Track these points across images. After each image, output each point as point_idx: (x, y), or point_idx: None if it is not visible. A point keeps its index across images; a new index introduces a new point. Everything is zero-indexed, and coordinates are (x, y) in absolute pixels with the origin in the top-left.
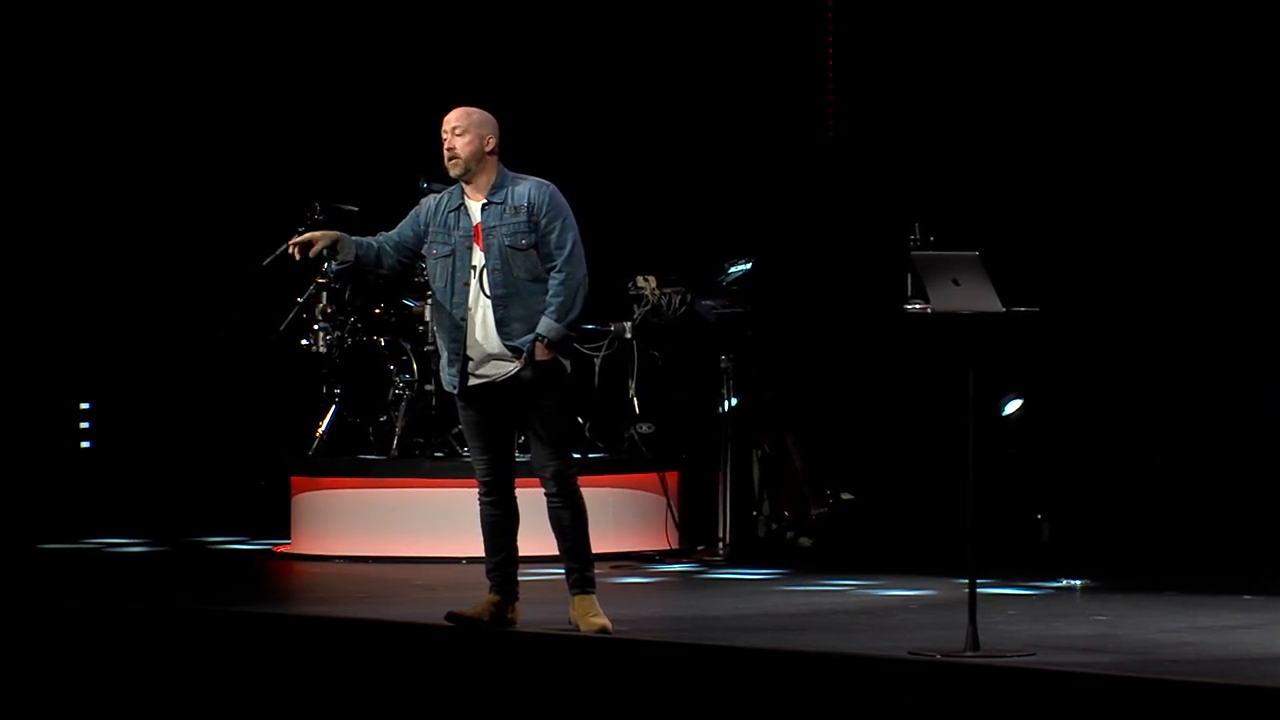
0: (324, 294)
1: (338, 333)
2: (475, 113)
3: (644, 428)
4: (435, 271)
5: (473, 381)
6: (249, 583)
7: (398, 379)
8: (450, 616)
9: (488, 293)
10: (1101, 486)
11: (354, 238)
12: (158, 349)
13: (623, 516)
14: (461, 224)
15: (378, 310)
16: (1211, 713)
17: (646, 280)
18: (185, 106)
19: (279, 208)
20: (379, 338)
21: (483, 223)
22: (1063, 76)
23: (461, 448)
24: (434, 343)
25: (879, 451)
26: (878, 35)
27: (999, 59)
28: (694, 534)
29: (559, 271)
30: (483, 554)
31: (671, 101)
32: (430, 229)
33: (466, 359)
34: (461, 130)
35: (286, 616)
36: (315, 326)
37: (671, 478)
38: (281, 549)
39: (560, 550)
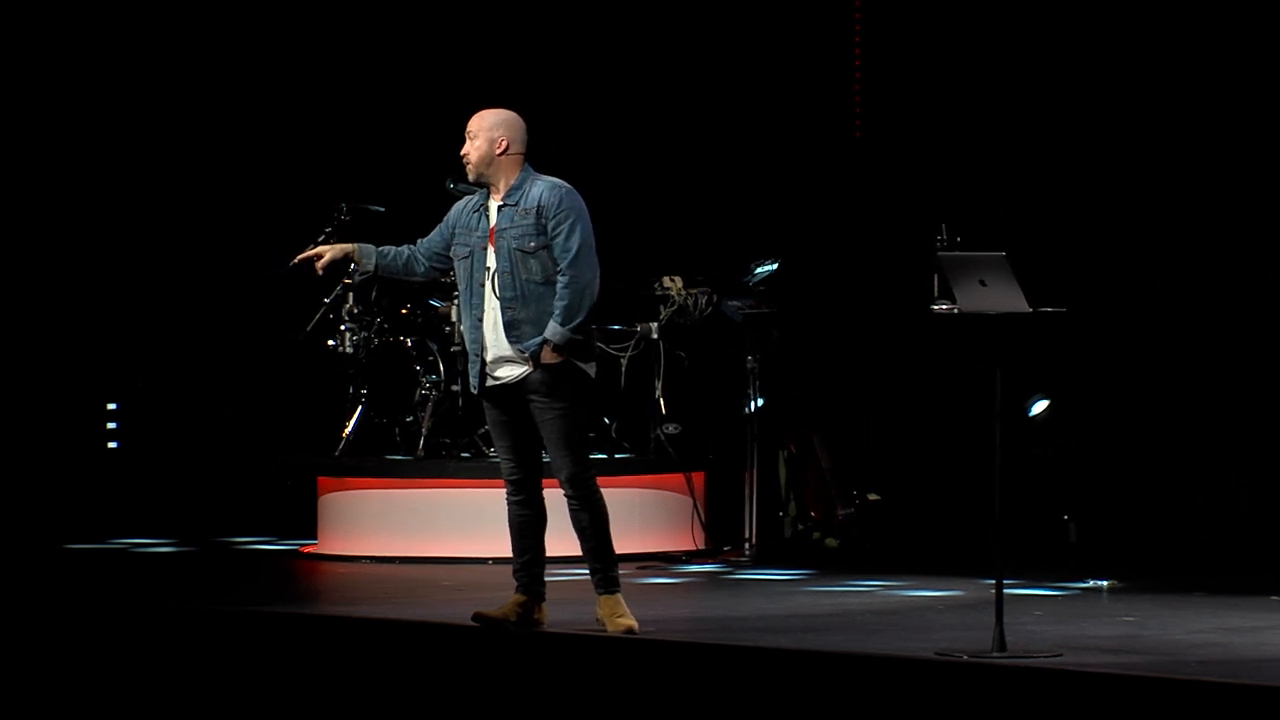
0: (350, 295)
1: (364, 333)
2: (489, 116)
3: (670, 428)
4: (458, 273)
5: (489, 382)
6: (276, 583)
7: (424, 379)
8: (476, 617)
9: (497, 294)
10: (1128, 487)
11: (379, 247)
12: (185, 349)
13: (649, 517)
14: (480, 225)
15: (404, 311)
16: (1240, 714)
17: (673, 281)
18: (215, 108)
19: (307, 208)
20: (405, 338)
21: (496, 224)
22: (1089, 76)
23: (488, 448)
24: (460, 343)
25: (905, 452)
26: (904, 35)
27: (1026, 58)
28: (720, 534)
29: (563, 274)
30: (509, 554)
31: (698, 102)
32: (456, 230)
33: (484, 360)
34: (473, 134)
35: (313, 617)
36: (342, 327)
37: (698, 478)
38: (308, 549)
39: (583, 551)
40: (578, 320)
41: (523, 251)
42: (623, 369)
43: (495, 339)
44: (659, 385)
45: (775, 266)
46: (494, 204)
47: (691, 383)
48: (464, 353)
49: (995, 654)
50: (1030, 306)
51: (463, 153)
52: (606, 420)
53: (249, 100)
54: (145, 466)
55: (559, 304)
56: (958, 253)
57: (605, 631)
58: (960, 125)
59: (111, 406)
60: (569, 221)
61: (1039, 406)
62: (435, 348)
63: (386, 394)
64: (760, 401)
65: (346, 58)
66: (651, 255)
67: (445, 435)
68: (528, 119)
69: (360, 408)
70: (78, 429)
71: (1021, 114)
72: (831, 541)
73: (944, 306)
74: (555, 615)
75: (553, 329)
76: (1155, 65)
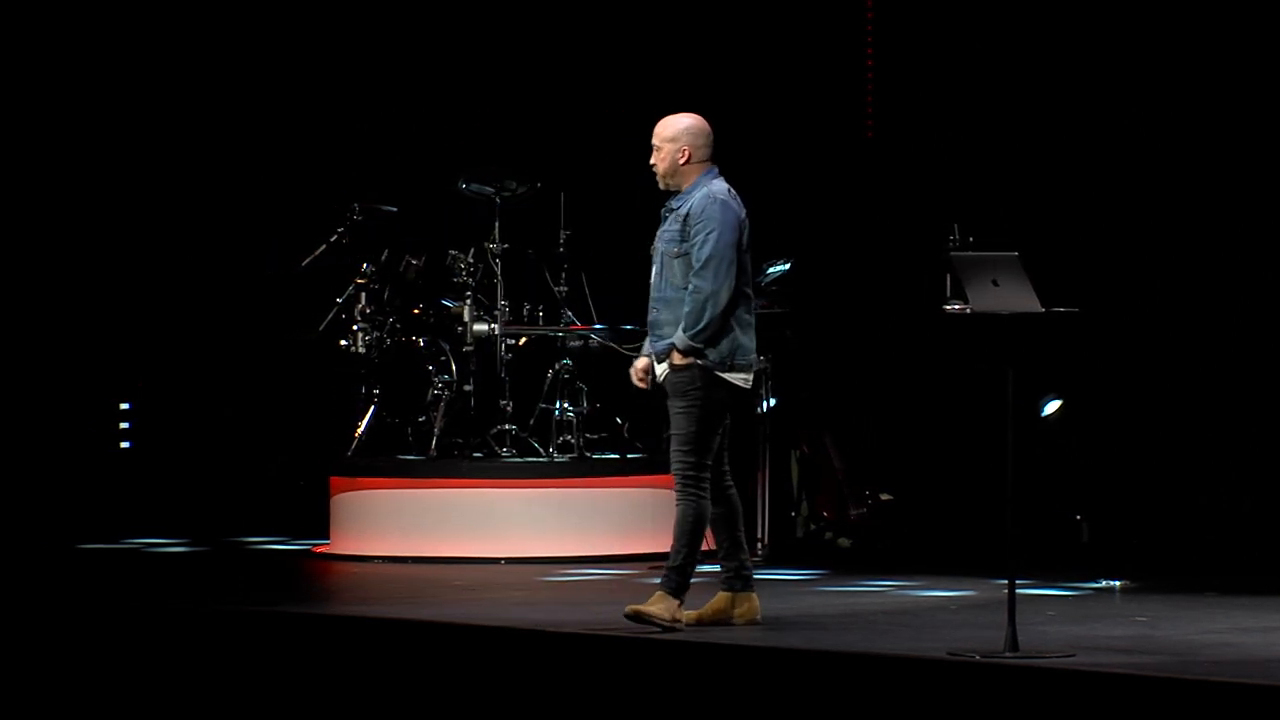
0: (363, 295)
1: (376, 333)
2: (673, 125)
3: None
4: None
5: (658, 380)
6: (288, 583)
7: (436, 379)
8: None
9: (651, 294)
10: (1141, 487)
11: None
12: (198, 349)
13: (661, 517)
14: (661, 228)
15: (416, 311)
16: (1253, 715)
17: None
18: (225, 109)
19: (319, 208)
20: (418, 338)
21: (660, 228)
22: (1102, 76)
23: (500, 448)
24: (473, 343)
25: (918, 452)
26: (917, 35)
27: (1038, 59)
28: None
29: (690, 282)
30: (521, 554)
31: (710, 102)
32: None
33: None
34: (657, 146)
35: (325, 617)
36: (354, 327)
37: None
38: (320, 549)
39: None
40: (698, 328)
41: (669, 256)
42: None
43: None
44: None
45: (788, 266)
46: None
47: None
48: (475, 353)
49: (1008, 654)
50: (1043, 307)
51: (650, 163)
52: (619, 420)
53: (255, 100)
54: (158, 466)
55: (684, 310)
56: (970, 253)
57: (619, 630)
58: (972, 125)
59: (124, 406)
60: (706, 231)
61: (1051, 407)
62: (447, 347)
63: (399, 394)
64: (773, 401)
65: (355, 58)
66: None
67: (457, 435)
68: (540, 118)
69: (373, 407)
70: (91, 429)
71: (1034, 114)
72: (844, 541)
73: (956, 306)
74: (567, 616)
75: (677, 335)
76: (1169, 66)
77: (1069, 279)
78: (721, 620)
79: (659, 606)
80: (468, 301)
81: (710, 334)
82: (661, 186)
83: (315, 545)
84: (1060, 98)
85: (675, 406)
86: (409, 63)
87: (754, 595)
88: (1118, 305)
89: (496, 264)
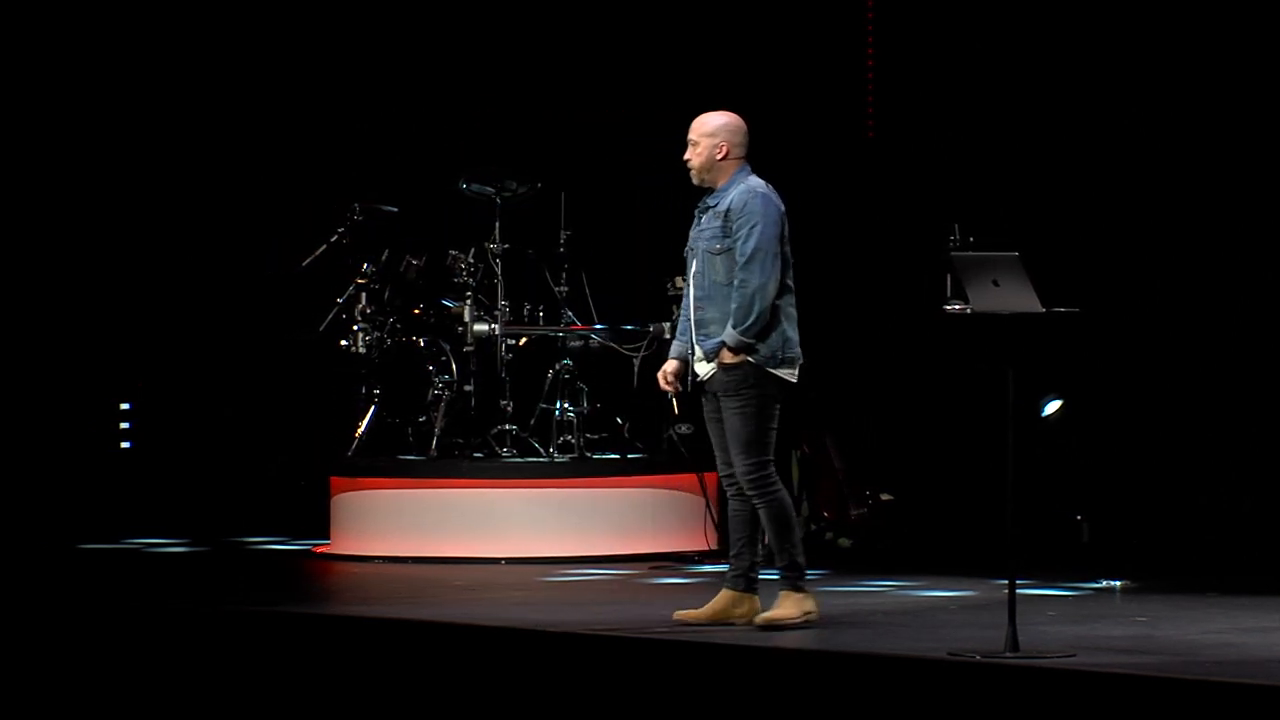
0: (363, 295)
1: (377, 333)
2: (710, 122)
3: (683, 428)
4: None
5: (695, 379)
6: (288, 583)
7: (437, 379)
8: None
9: (693, 293)
10: (1141, 487)
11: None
12: (198, 349)
13: (662, 517)
14: (697, 225)
15: (416, 311)
16: (1253, 715)
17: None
18: (225, 109)
19: (319, 209)
20: (418, 338)
21: (699, 225)
22: (1103, 76)
23: (500, 448)
24: (473, 343)
25: (918, 452)
26: (918, 35)
27: (1039, 58)
28: None
29: (736, 277)
30: (521, 555)
31: (710, 101)
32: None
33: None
34: (694, 141)
35: (325, 617)
36: (354, 327)
37: (710, 478)
38: (321, 549)
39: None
40: (748, 323)
41: (710, 253)
42: (636, 369)
43: (694, 336)
44: None
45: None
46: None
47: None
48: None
49: (1008, 654)
50: (1043, 307)
51: (685, 158)
52: (619, 420)
53: (256, 100)
54: (158, 466)
55: (732, 306)
56: (971, 253)
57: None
58: (973, 125)
59: (125, 406)
60: (749, 226)
61: (1052, 407)
62: (448, 348)
63: (399, 394)
64: None
65: (355, 58)
66: (665, 255)
67: (458, 435)
68: (540, 118)
69: (373, 408)
70: (91, 429)
71: (1035, 114)
72: (844, 541)
73: (957, 306)
74: (567, 616)
75: (726, 331)
76: (1170, 66)
77: (1069, 279)
78: (722, 620)
79: (787, 609)
80: (468, 301)
81: (759, 328)
82: (696, 181)
83: (315, 545)
84: (1060, 98)
85: (729, 407)
86: (409, 63)
87: (756, 598)
88: (1118, 305)
89: (497, 264)
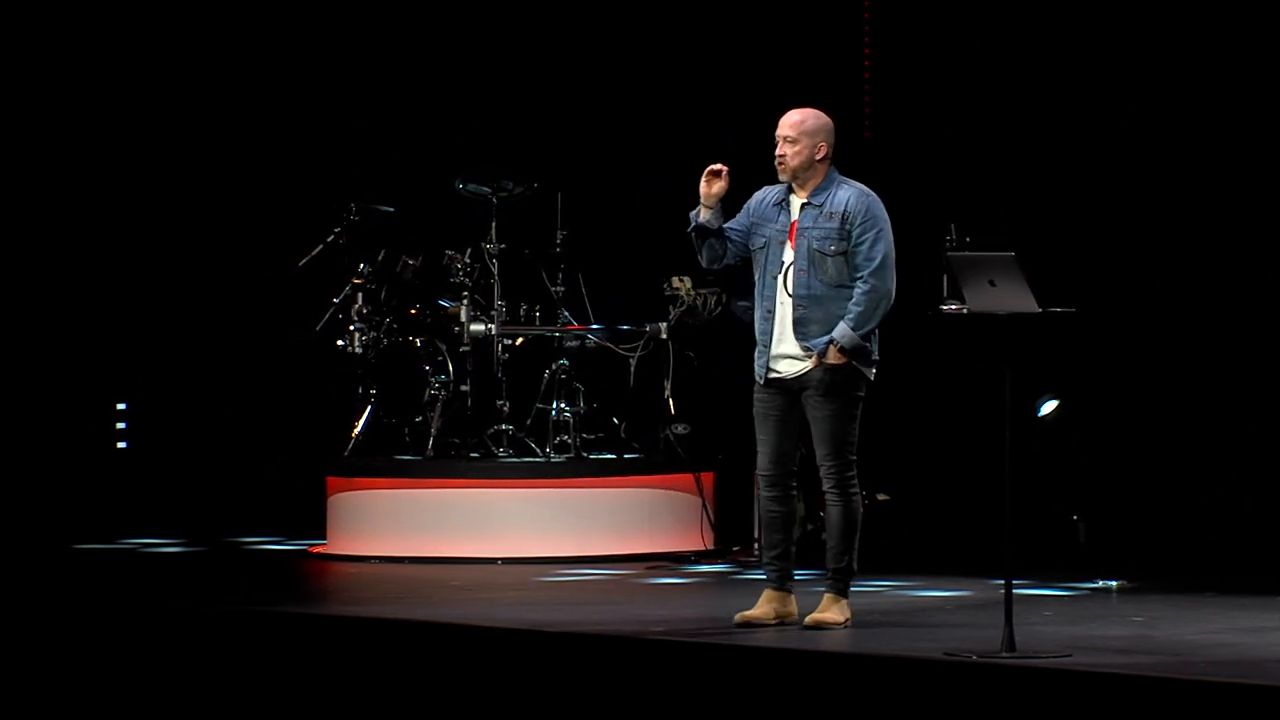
0: (360, 295)
1: (373, 333)
2: (809, 120)
3: (679, 428)
4: (754, 261)
5: (770, 375)
6: (285, 583)
7: (433, 379)
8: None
9: (789, 291)
10: (1138, 487)
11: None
12: (194, 349)
13: (658, 517)
14: (780, 219)
15: (413, 311)
16: (1251, 715)
17: (682, 281)
18: (223, 109)
19: (316, 209)
20: (414, 338)
21: (798, 222)
22: (1100, 75)
23: (497, 448)
24: (469, 344)
25: (914, 452)
26: (914, 34)
27: (1035, 58)
28: (729, 534)
29: (865, 281)
30: (518, 555)
31: (706, 100)
32: (754, 221)
33: (770, 352)
34: (793, 139)
35: (322, 617)
36: (351, 327)
37: (707, 478)
38: (317, 549)
39: (827, 548)
40: (869, 327)
41: (821, 253)
42: (632, 369)
43: (781, 333)
44: (668, 385)
45: None
46: (797, 201)
47: (700, 383)
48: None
49: (1004, 654)
50: (1039, 306)
51: (780, 154)
52: (615, 420)
53: (254, 100)
54: (154, 466)
55: (854, 308)
56: (967, 252)
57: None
58: (970, 125)
59: (121, 406)
60: (875, 230)
61: (1048, 407)
62: (444, 348)
63: (396, 394)
64: None
65: (354, 58)
66: (661, 255)
67: (454, 435)
68: (537, 118)
69: (369, 408)
70: (87, 429)
71: (1031, 114)
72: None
73: (953, 306)
74: (565, 616)
75: (842, 331)
76: (1166, 65)
77: (1066, 279)
78: (782, 620)
79: (834, 613)
80: (465, 301)
81: (871, 332)
82: (784, 179)
83: (312, 545)
84: (1058, 97)
85: (827, 406)
86: (407, 63)
87: (794, 598)
88: (1115, 305)
89: (493, 264)
